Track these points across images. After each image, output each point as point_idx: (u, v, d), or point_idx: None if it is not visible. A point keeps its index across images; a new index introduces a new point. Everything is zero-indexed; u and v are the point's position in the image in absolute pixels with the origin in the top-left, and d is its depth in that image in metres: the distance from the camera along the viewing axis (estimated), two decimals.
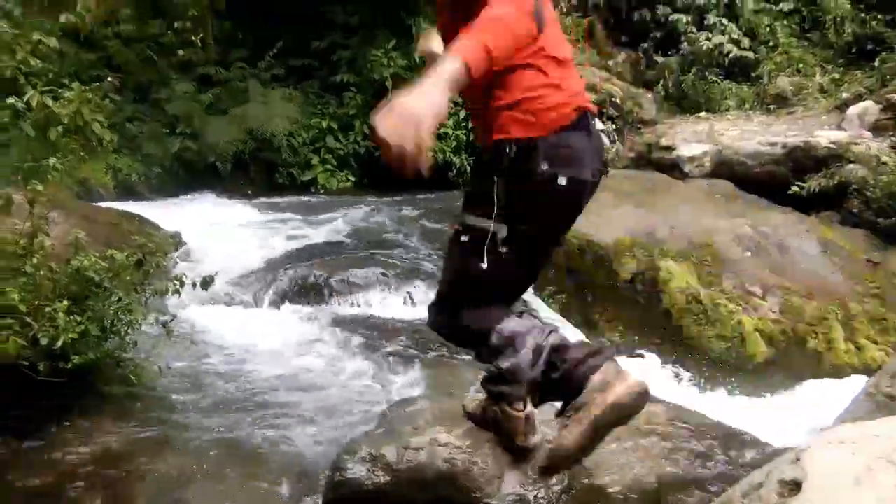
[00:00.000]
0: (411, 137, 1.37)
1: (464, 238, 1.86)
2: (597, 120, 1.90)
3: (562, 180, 1.78)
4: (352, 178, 8.13)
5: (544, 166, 1.77)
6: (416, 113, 1.39)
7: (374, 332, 4.01)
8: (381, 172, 8.09)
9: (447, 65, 1.47)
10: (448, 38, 1.76)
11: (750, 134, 6.91)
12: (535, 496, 2.13)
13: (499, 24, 1.56)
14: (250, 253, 5.11)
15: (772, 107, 7.89)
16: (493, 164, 1.82)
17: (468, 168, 7.88)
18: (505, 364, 1.93)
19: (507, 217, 1.80)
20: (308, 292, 4.58)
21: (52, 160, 2.92)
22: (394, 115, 1.38)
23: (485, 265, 1.80)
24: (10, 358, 2.66)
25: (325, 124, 8.26)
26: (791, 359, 4.11)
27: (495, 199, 1.78)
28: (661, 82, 8.81)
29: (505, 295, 2.02)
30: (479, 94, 1.81)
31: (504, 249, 1.81)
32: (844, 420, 2.48)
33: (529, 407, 2.03)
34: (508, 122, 1.80)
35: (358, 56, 8.54)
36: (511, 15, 1.60)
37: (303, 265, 4.80)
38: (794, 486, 1.24)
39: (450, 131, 7.87)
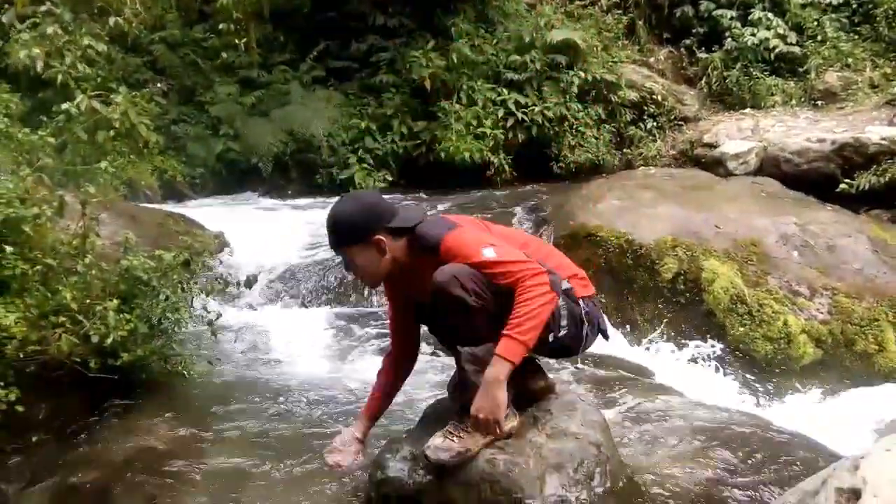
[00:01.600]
0: (494, 423, 2.07)
1: None
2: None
3: None
4: (389, 178, 8.17)
5: None
6: (498, 407, 2.05)
7: None
8: (418, 172, 8.14)
9: (506, 370, 2.03)
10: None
11: (797, 130, 6.74)
12: (577, 497, 2.12)
13: (536, 320, 2.00)
14: (292, 253, 5.18)
15: (819, 102, 7.67)
16: None
17: (506, 167, 7.87)
18: None
19: None
20: (350, 292, 4.63)
21: (103, 163, 3.00)
22: (485, 404, 2.05)
23: None
24: (62, 355, 2.75)
25: (363, 125, 8.32)
26: (840, 361, 4.00)
27: None
28: (704, 79, 8.65)
29: None
30: None
31: None
32: None
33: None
34: None
35: (397, 57, 8.59)
36: (545, 305, 2.03)
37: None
38: (853, 495, 1.21)
39: (488, 131, 7.86)
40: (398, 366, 2.51)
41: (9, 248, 2.70)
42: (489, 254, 2.09)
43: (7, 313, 2.63)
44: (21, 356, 2.64)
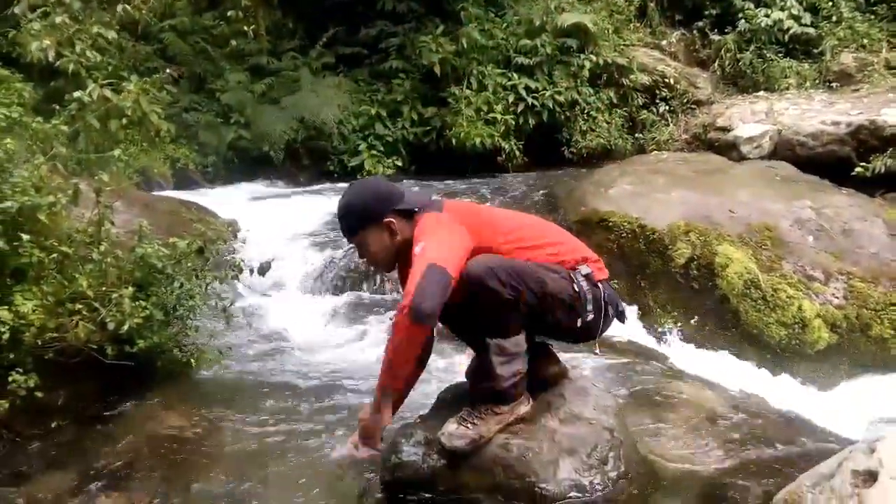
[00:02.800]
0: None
1: None
2: None
3: None
4: (398, 164, 8.16)
5: None
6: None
7: None
8: (429, 158, 8.12)
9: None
10: None
11: (811, 113, 6.66)
12: (591, 482, 2.13)
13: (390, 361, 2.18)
14: (304, 240, 5.19)
15: (834, 84, 7.58)
16: None
17: (517, 152, 7.84)
18: None
19: None
20: (361, 279, 4.64)
21: (116, 151, 3.02)
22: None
23: None
24: (79, 342, 2.78)
25: (373, 111, 8.31)
26: (855, 346, 3.98)
27: None
28: (717, 61, 8.56)
29: None
30: None
31: None
32: None
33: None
34: None
35: (406, 43, 8.55)
36: (397, 347, 2.14)
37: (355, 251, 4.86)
38: (869, 477, 1.21)
39: (498, 116, 7.83)
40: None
41: (25, 237, 2.72)
42: (417, 250, 2.11)
43: (25, 301, 2.66)
44: (39, 343, 2.67)
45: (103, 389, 3.03)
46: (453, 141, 7.76)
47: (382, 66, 8.65)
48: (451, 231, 2.18)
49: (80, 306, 2.83)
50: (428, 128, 8.22)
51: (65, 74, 4.03)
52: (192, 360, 3.23)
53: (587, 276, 2.21)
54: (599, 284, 2.24)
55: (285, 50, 8.98)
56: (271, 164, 8.03)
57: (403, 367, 2.16)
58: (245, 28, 7.32)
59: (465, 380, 2.41)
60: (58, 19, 3.55)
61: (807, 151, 6.25)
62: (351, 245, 2.38)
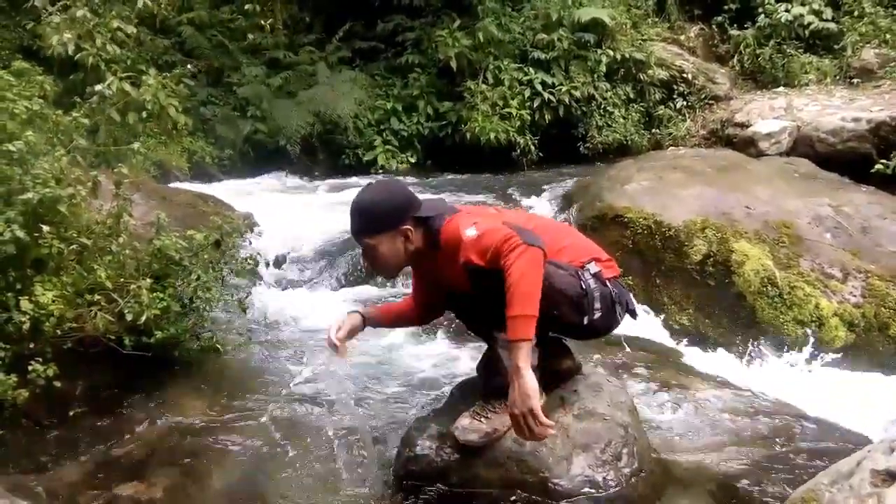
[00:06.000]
0: (529, 413, 1.92)
1: None
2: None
3: None
4: (412, 160, 8.17)
5: None
6: (527, 396, 1.92)
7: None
8: (444, 153, 8.13)
9: (522, 352, 1.92)
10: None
11: (831, 109, 6.58)
12: (604, 478, 2.13)
13: (528, 285, 1.92)
14: (319, 234, 5.21)
15: (855, 80, 7.49)
16: None
17: (532, 148, 7.82)
18: None
19: None
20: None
21: (135, 144, 3.04)
22: (514, 397, 1.94)
23: None
24: (98, 332, 2.82)
25: (389, 106, 8.32)
26: (873, 345, 3.93)
27: None
28: (736, 56, 8.48)
29: None
30: None
31: None
32: None
33: None
34: None
35: (422, 37, 8.55)
36: (531, 269, 1.93)
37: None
38: (889, 477, 1.20)
39: (514, 112, 7.81)
40: (414, 309, 2.58)
41: (46, 228, 2.76)
42: (470, 232, 2.08)
43: (45, 291, 2.69)
44: (58, 333, 2.71)
45: (121, 379, 3.06)
46: (468, 136, 7.75)
47: (398, 60, 8.66)
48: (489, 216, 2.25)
49: (99, 297, 2.86)
50: (443, 122, 8.22)
51: (84, 67, 4.08)
52: (209, 352, 3.26)
53: (596, 275, 2.20)
54: (608, 283, 2.23)
55: (302, 44, 9.02)
56: (287, 157, 8.07)
57: (538, 290, 1.96)
58: (262, 22, 7.37)
59: (476, 374, 2.42)
60: (78, 13, 3.58)
61: (826, 148, 6.18)
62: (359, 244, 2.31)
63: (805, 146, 6.31)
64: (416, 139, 8.29)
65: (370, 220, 2.22)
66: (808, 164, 5.41)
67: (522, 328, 1.91)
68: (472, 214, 2.25)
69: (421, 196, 2.35)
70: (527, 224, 2.23)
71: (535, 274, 1.94)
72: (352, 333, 2.46)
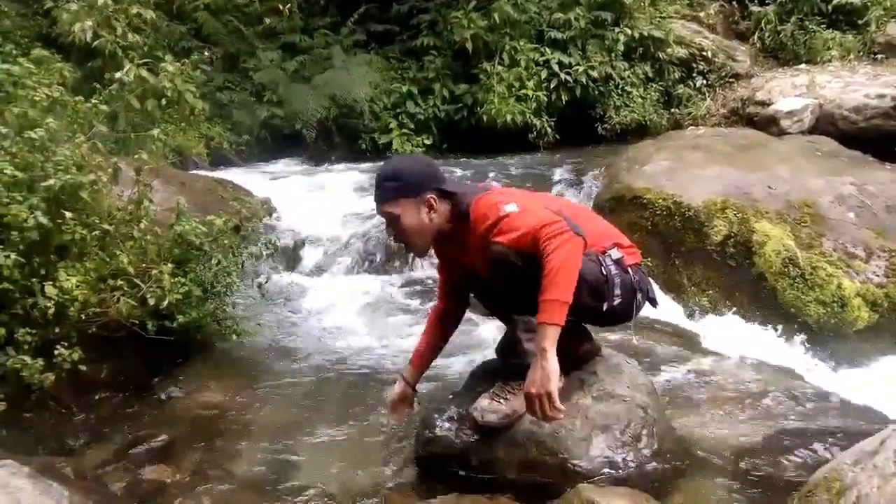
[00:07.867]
0: (545, 395, 1.94)
1: None
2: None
3: None
4: (427, 143, 8.13)
5: None
6: (547, 378, 1.93)
7: None
8: (460, 136, 8.08)
9: (550, 335, 1.92)
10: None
11: (855, 86, 6.46)
12: (624, 459, 2.13)
13: (567, 272, 1.93)
14: (336, 219, 5.23)
15: (880, 56, 7.33)
16: None
17: (548, 129, 7.76)
18: None
19: None
20: (393, 258, 4.66)
21: (155, 131, 3.06)
22: (534, 377, 1.95)
23: None
24: (121, 317, 2.86)
25: (405, 89, 8.28)
26: None
27: None
28: (757, 33, 8.33)
29: None
30: None
31: None
32: None
33: None
34: None
35: (438, 19, 8.47)
36: (573, 257, 1.95)
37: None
38: None
39: (530, 93, 7.74)
40: (444, 322, 2.49)
41: (68, 214, 2.79)
42: (511, 208, 2.06)
43: (68, 276, 2.73)
44: (83, 318, 2.75)
45: (145, 363, 3.11)
46: (484, 118, 7.70)
47: (414, 42, 8.60)
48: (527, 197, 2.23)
49: (122, 282, 2.90)
50: (459, 105, 8.17)
51: (102, 54, 4.10)
52: (230, 336, 3.30)
53: (617, 261, 2.18)
54: (630, 269, 2.21)
55: (317, 27, 8.98)
56: (304, 142, 8.07)
57: (575, 279, 1.96)
58: (278, 6, 7.33)
59: (494, 356, 2.42)
60: (99, 1, 3.60)
61: (849, 126, 6.08)
62: (382, 218, 2.26)
63: (827, 124, 6.21)
64: (432, 122, 8.24)
65: (390, 185, 2.18)
66: (831, 143, 5.32)
67: (556, 313, 1.91)
68: (506, 194, 2.23)
69: None
70: (550, 206, 2.21)
71: (576, 263, 1.95)
72: (405, 403, 2.46)
